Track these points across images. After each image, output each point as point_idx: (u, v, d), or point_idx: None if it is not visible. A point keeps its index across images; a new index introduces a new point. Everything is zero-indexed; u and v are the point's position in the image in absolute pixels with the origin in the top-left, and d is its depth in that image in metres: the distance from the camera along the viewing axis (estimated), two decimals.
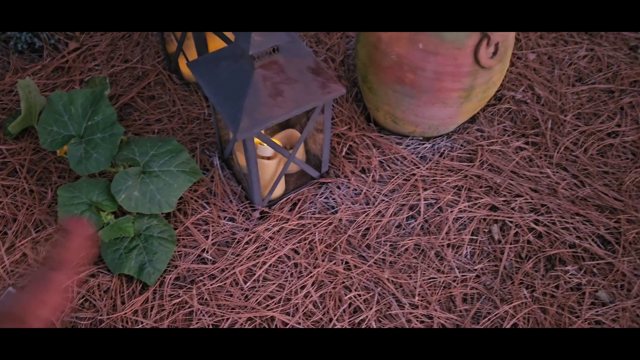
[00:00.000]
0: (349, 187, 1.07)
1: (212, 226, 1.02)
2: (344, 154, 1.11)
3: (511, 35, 0.97)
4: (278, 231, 1.01)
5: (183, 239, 1.00)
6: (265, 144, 0.97)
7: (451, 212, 1.04)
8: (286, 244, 0.99)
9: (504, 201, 1.06)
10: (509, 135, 1.16)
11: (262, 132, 1.00)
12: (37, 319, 0.40)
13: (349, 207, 1.04)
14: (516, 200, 1.06)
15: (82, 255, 0.42)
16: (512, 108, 1.21)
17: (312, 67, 0.89)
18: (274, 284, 0.95)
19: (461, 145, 1.14)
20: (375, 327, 0.91)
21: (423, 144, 1.14)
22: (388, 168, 1.10)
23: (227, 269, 0.97)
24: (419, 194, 1.06)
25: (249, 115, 0.83)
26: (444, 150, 1.13)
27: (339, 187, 1.07)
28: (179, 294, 0.94)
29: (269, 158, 0.99)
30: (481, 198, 1.06)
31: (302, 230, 1.01)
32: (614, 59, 1.33)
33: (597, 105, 1.23)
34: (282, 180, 1.05)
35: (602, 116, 1.21)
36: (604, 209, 1.06)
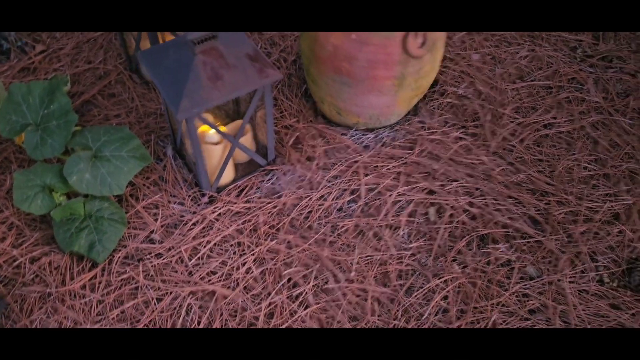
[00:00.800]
0: (294, 174, 1.13)
1: (162, 210, 1.07)
2: (290, 143, 1.17)
3: None
4: (224, 213, 1.06)
5: (134, 222, 1.05)
6: (211, 130, 1.03)
7: (390, 195, 1.10)
8: (231, 225, 1.04)
9: (440, 185, 1.11)
10: (449, 127, 1.23)
11: (210, 119, 1.06)
12: None
13: (294, 192, 1.10)
14: (452, 185, 1.11)
15: None
16: (454, 102, 1.28)
17: (251, 54, 0.96)
18: (217, 261, 1.00)
19: (403, 136, 1.20)
20: (312, 300, 0.95)
21: (366, 134, 1.20)
22: (332, 156, 1.16)
23: (173, 247, 1.01)
24: (360, 180, 1.12)
25: (189, 97, 0.90)
26: (386, 140, 1.19)
27: (284, 174, 1.13)
28: (126, 270, 0.98)
29: (215, 144, 1.05)
30: (419, 183, 1.12)
31: (247, 212, 1.07)
32: (554, 59, 1.40)
33: (536, 100, 1.31)
34: (231, 168, 1.11)
35: (540, 109, 1.28)
36: (536, 191, 1.12)
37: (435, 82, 1.31)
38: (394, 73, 1.04)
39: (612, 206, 1.10)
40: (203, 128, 1.05)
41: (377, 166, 1.14)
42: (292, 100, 1.25)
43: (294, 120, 1.21)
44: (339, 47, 1.02)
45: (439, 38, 1.05)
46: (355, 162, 1.15)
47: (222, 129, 1.06)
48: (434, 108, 1.26)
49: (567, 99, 1.31)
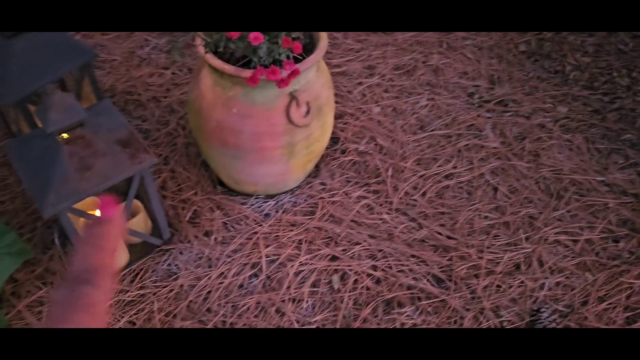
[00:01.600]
0: (191, 252, 1.08)
1: (48, 307, 0.99)
2: (187, 218, 1.12)
3: (323, 94, 1.03)
4: (115, 304, 1.00)
5: (15, 323, 0.97)
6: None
7: (292, 266, 1.06)
8: (122, 317, 0.98)
9: (343, 250, 1.09)
10: (351, 186, 1.22)
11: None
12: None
13: (191, 272, 1.05)
14: (355, 248, 1.09)
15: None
16: (356, 159, 1.27)
17: (123, 138, 0.92)
18: None
19: (304, 200, 1.18)
20: None
21: (267, 201, 1.17)
22: (232, 229, 1.12)
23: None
24: (261, 252, 1.08)
25: (55, 192, 0.84)
26: (287, 206, 1.16)
27: (181, 253, 1.07)
28: None
29: None
30: (321, 249, 1.09)
31: (140, 300, 1.00)
32: (452, 106, 1.43)
33: (436, 150, 1.32)
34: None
35: (440, 159, 1.30)
36: (438, 247, 1.11)
37: (336, 140, 1.30)
38: (281, 143, 1.02)
39: (512, 256, 1.11)
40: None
41: (277, 235, 1.11)
42: (190, 171, 1.21)
43: (191, 192, 1.17)
44: (223, 121, 1.00)
45: (324, 104, 1.04)
46: (255, 233, 1.11)
47: None
48: (335, 167, 1.25)
49: (467, 147, 1.33)
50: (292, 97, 0.97)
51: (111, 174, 0.87)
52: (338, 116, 1.36)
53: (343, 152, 1.29)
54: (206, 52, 0.92)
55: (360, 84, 1.47)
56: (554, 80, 1.52)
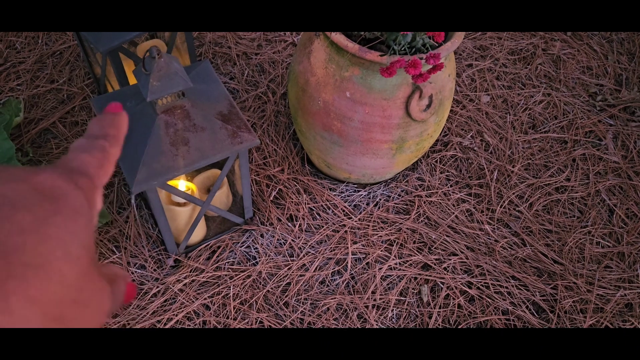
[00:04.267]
0: (273, 237, 1.00)
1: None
2: (272, 198, 1.04)
3: (447, 86, 0.90)
4: (190, 283, 0.93)
5: None
6: (179, 183, 0.89)
7: (380, 269, 0.97)
8: (197, 299, 0.92)
9: (437, 260, 0.99)
10: (451, 186, 1.10)
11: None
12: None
13: (272, 259, 0.97)
14: (450, 259, 0.99)
15: (124, 131, 0.31)
16: (458, 155, 1.14)
17: (224, 112, 0.82)
18: None
19: (398, 195, 1.07)
20: None
21: (358, 191, 1.07)
22: (318, 217, 1.03)
23: (128, 324, 0.89)
24: (347, 248, 0.99)
25: (147, 166, 0.76)
26: (380, 200, 1.06)
27: (262, 236, 1.00)
28: None
29: (182, 205, 0.91)
30: (413, 255, 0.99)
31: (216, 282, 0.94)
32: (571, 106, 1.27)
33: (548, 156, 1.17)
34: (203, 225, 0.98)
35: (552, 168, 1.15)
36: (542, 272, 1.00)
37: None
38: (392, 137, 0.90)
39: (625, 294, 0.98)
40: (171, 182, 0.91)
41: (367, 232, 1.01)
42: (277, 144, 1.11)
43: (278, 169, 1.07)
44: (331, 104, 0.88)
45: (446, 97, 0.91)
46: (343, 225, 1.01)
47: (191, 186, 0.92)
48: (436, 162, 1.13)
49: (583, 156, 1.18)
50: (416, 88, 0.84)
51: (209, 151, 0.78)
52: None
53: (445, 145, 1.16)
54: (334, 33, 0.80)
55: (470, 66, 1.31)
56: None
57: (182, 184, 0.92)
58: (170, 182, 0.91)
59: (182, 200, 0.91)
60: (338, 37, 0.81)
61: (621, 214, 1.09)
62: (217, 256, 0.97)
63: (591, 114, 1.26)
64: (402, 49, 0.74)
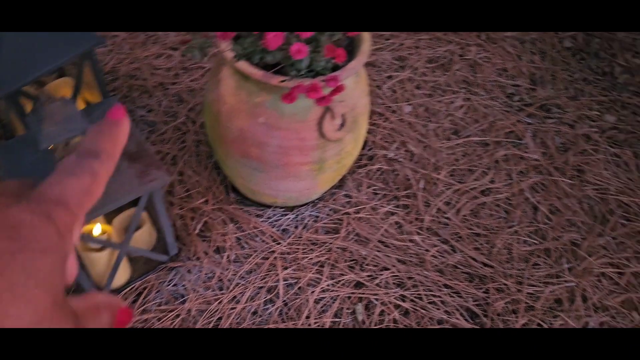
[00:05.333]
0: (201, 271, 0.97)
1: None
2: (197, 231, 1.01)
3: (360, 103, 0.90)
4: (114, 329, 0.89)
5: None
6: (94, 226, 0.85)
7: (312, 292, 0.96)
8: None
9: (369, 276, 0.98)
10: (379, 199, 1.10)
11: (86, 225, 0.88)
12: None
13: (200, 295, 0.94)
14: (382, 274, 0.99)
15: (122, 144, 0.30)
16: (384, 168, 1.15)
17: (131, 151, 0.79)
18: None
19: (327, 214, 1.06)
20: None
21: (286, 214, 1.05)
22: (246, 245, 1.01)
23: None
24: (278, 274, 0.97)
25: None
26: (308, 221, 1.05)
27: (189, 272, 0.96)
28: None
29: (99, 250, 0.87)
30: (345, 274, 0.98)
31: (144, 326, 0.90)
32: (490, 109, 1.30)
33: (472, 160, 1.20)
34: (126, 267, 0.94)
35: (476, 172, 1.18)
36: (474, 277, 1.01)
37: (363, 144, 1.18)
38: (310, 159, 0.89)
39: (554, 290, 1.01)
40: (84, 229, 0.87)
41: (297, 256, 1.00)
42: (200, 174, 1.09)
43: (201, 200, 1.05)
44: (246, 131, 0.87)
45: (361, 113, 0.91)
46: (272, 252, 1.00)
47: (107, 229, 0.88)
48: (362, 177, 1.13)
49: (505, 157, 1.21)
50: (327, 109, 0.84)
51: (115, 194, 0.75)
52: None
53: (371, 159, 1.16)
54: (236, 61, 0.78)
55: (390, 77, 1.33)
56: (602, 83, 1.39)
57: (97, 227, 0.88)
58: (85, 228, 0.87)
59: (99, 244, 0.87)
60: (241, 64, 0.79)
61: (545, 210, 1.13)
62: (144, 298, 0.93)
63: (510, 115, 1.29)
64: (302, 73, 0.73)
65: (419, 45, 1.41)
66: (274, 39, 0.62)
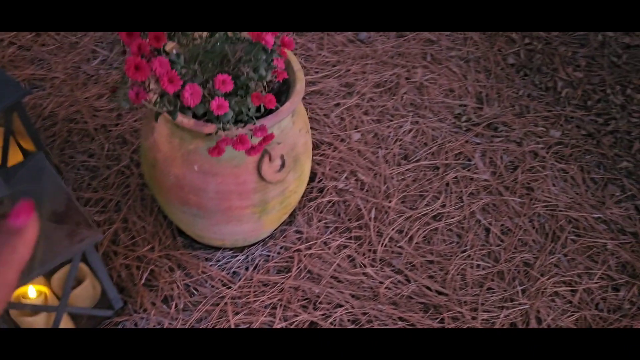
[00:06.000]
0: (148, 323, 0.93)
1: None
2: (143, 281, 0.98)
3: (300, 141, 0.89)
4: None
5: None
6: (28, 288, 0.81)
7: None
8: None
9: (322, 315, 0.97)
10: (330, 232, 1.08)
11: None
12: None
13: None
14: (336, 312, 0.97)
15: (23, 258, 0.28)
16: (335, 199, 1.14)
17: (59, 210, 0.76)
18: None
19: (278, 253, 1.04)
20: None
21: (236, 255, 1.03)
22: (195, 292, 0.98)
23: None
24: (229, 320, 0.94)
25: None
26: (259, 262, 1.02)
27: (136, 325, 0.93)
28: None
29: (35, 313, 0.83)
30: (299, 315, 0.96)
31: None
32: (439, 131, 1.31)
33: (423, 185, 1.20)
34: (68, 325, 0.90)
35: (427, 197, 1.17)
36: (429, 307, 1.00)
37: (312, 177, 1.16)
38: (251, 202, 0.87)
39: (508, 314, 1.01)
40: (17, 293, 0.83)
41: (248, 300, 0.97)
42: (145, 220, 1.05)
43: (147, 247, 1.02)
44: (182, 178, 0.84)
45: (302, 152, 0.90)
46: (223, 297, 0.97)
47: (43, 290, 0.85)
48: (312, 210, 1.11)
49: (455, 180, 1.21)
50: (264, 151, 0.82)
51: (44, 257, 0.72)
52: (314, 146, 1.22)
53: (321, 191, 1.15)
54: (158, 114, 0.76)
55: (337, 105, 1.32)
56: (546, 98, 1.41)
57: (31, 289, 0.84)
58: (18, 290, 0.83)
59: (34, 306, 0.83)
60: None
61: (497, 232, 1.13)
62: None
63: (458, 135, 1.30)
64: (228, 126, 0.71)
65: (365, 70, 1.41)
66: (190, 97, 0.60)
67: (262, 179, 0.85)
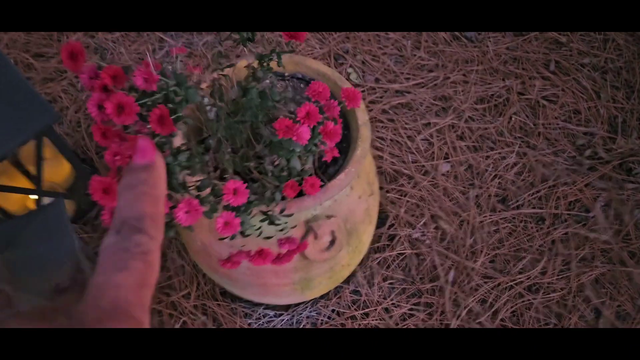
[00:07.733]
0: None
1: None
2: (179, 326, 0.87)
3: (359, 209, 0.70)
4: None
5: None
6: None
7: None
8: None
9: None
10: (396, 295, 0.90)
11: None
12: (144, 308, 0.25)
13: None
14: None
15: (163, 192, 0.27)
16: (407, 252, 0.95)
17: (63, 285, 0.65)
18: None
19: (328, 317, 0.88)
20: None
21: (280, 314, 0.89)
22: None
23: None
24: None
25: None
26: (305, 325, 0.88)
27: None
28: None
29: None
30: None
31: None
32: (552, 168, 1.04)
33: (521, 242, 0.96)
34: None
35: (525, 258, 0.94)
36: None
37: (383, 220, 0.97)
38: (291, 280, 0.72)
39: None
40: None
41: None
42: (185, 259, 0.94)
43: (184, 292, 0.90)
44: (209, 246, 0.70)
45: (360, 221, 0.72)
46: None
47: None
48: (377, 265, 0.93)
49: (565, 237, 0.96)
50: (308, 229, 0.65)
51: None
52: (392, 179, 1.02)
53: (391, 239, 0.96)
54: None
55: (427, 125, 1.09)
56: None
57: None
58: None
59: None
60: None
61: (610, 317, 0.88)
62: None
63: (577, 176, 1.03)
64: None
65: (468, 80, 1.15)
66: (187, 217, 0.44)
67: (305, 258, 0.68)
